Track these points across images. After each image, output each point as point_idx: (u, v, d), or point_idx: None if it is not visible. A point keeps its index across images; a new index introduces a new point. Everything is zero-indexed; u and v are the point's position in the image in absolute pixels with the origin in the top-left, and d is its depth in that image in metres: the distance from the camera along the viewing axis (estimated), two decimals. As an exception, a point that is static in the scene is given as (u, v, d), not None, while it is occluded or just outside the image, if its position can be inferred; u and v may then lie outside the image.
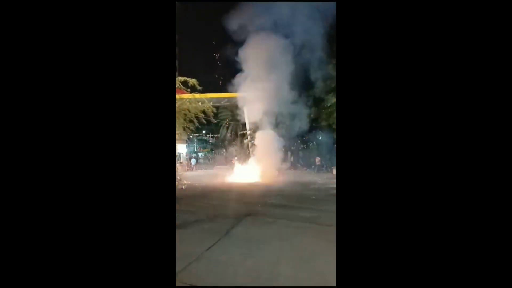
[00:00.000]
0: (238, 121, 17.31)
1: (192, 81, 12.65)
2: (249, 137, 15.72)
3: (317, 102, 14.20)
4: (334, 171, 12.22)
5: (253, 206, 5.54)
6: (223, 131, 25.03)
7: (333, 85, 12.10)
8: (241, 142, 20.01)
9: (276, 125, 12.80)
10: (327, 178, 11.31)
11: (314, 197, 6.52)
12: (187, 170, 15.78)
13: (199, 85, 12.68)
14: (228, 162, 19.11)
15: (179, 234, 3.66)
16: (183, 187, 9.10)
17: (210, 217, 4.64)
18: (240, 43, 12.54)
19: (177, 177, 9.77)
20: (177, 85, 12.14)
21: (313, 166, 14.95)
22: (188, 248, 3.12)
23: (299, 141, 16.21)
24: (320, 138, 16.45)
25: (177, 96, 12.58)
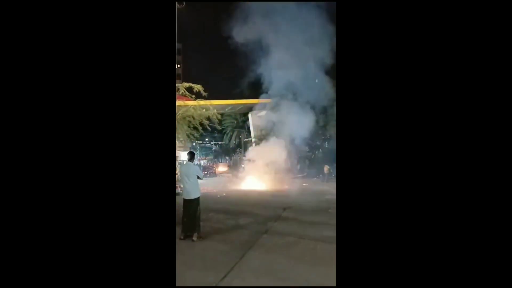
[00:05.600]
0: (243, 128, 16.89)
1: (197, 87, 12.22)
2: (253, 144, 15.25)
3: (325, 109, 13.75)
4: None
5: (266, 220, 5.00)
6: (227, 138, 24.61)
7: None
8: (246, 149, 19.53)
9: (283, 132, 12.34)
10: (338, 188, 10.72)
11: (330, 210, 5.96)
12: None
13: (205, 91, 12.20)
14: (231, 169, 18.63)
15: (185, 255, 3.14)
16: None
17: (220, 234, 4.10)
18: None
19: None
20: (181, 91, 11.71)
21: (321, 175, 14.37)
22: (198, 275, 2.61)
23: (306, 149, 15.70)
24: (328, 146, 15.92)
25: (182, 103, 12.14)
